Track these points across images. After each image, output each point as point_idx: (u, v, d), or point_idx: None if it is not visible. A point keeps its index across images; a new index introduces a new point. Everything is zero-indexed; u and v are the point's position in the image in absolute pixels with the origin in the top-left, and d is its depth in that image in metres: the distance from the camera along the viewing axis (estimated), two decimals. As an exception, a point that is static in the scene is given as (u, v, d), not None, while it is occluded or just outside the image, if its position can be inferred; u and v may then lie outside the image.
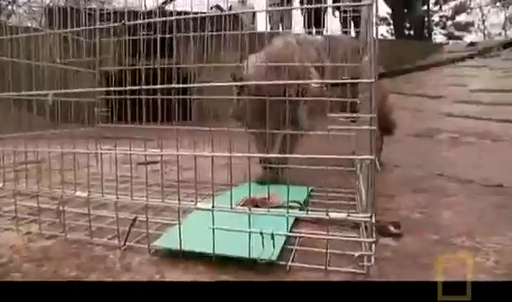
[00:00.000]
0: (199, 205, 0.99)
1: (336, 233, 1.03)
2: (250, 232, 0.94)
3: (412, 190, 1.86)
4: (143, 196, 1.08)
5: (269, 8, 3.17)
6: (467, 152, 3.33)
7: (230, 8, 6.89)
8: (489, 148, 3.60)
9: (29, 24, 4.28)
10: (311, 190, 1.67)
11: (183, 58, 2.06)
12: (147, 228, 1.04)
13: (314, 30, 2.14)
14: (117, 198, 1.05)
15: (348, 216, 0.90)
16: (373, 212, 0.88)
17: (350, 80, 1.36)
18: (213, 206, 0.96)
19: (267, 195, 1.43)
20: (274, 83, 1.49)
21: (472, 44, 9.95)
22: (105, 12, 2.10)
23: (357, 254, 0.89)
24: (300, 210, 1.38)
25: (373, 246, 0.90)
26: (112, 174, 1.10)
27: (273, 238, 0.96)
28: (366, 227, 0.99)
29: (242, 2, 7.56)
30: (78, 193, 1.09)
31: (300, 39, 1.92)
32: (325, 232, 0.93)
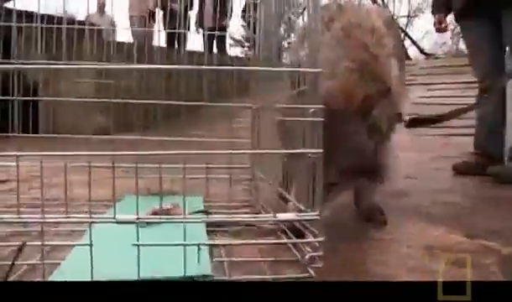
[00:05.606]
0: (118, 217, 0.77)
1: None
2: (185, 245, 0.78)
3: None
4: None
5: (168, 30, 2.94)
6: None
7: (87, 18, 6.33)
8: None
9: None
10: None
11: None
12: (43, 255, 0.77)
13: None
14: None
15: (297, 215, 0.82)
16: (321, 210, 0.83)
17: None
18: (138, 218, 0.77)
19: (169, 207, 1.28)
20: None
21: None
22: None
23: (307, 256, 0.82)
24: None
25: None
26: None
27: (199, 249, 0.83)
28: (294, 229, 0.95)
29: (101, 13, 7.03)
30: None
31: None
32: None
